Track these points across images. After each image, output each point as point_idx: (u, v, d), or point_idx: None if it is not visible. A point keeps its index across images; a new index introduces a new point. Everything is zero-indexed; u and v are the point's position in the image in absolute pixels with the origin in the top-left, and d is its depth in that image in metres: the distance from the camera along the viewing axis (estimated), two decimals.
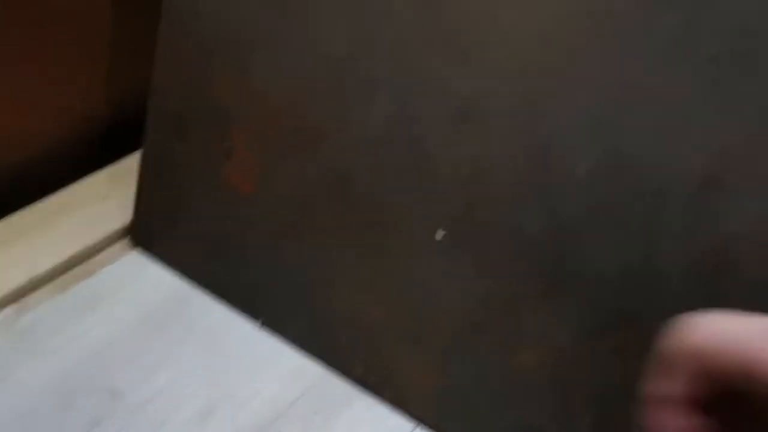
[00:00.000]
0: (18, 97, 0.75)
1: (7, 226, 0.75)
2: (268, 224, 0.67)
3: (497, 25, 0.51)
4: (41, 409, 0.61)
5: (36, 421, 0.60)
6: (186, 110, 0.67)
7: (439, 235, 0.57)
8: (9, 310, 0.68)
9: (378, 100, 0.58)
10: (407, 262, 0.60)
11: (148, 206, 0.75)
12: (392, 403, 0.63)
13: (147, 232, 0.75)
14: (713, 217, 0.46)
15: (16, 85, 0.74)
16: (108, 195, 0.81)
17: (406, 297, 0.61)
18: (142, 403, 0.63)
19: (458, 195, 0.56)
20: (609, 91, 0.49)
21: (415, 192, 0.58)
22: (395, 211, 0.59)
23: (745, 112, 0.44)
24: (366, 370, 0.65)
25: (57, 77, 0.79)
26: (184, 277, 0.73)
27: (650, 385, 0.24)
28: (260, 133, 0.64)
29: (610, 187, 0.50)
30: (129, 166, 0.82)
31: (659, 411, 0.24)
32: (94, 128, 0.88)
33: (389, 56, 0.56)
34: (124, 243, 0.78)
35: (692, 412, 0.23)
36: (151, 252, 0.75)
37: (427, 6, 0.54)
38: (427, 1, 0.53)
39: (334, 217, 0.63)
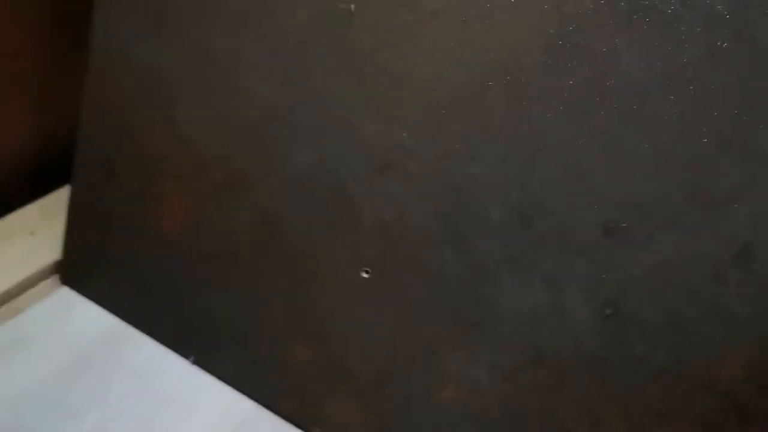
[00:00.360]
0: None
1: None
2: (198, 264, 0.68)
3: (415, 82, 0.54)
4: None
5: None
6: (114, 153, 0.68)
7: (363, 275, 0.59)
8: None
9: (302, 148, 0.59)
10: (332, 301, 0.61)
11: (77, 244, 0.75)
12: None
13: (76, 270, 0.75)
14: (613, 263, 0.49)
15: None
16: (37, 230, 0.81)
17: (332, 335, 0.63)
18: None
19: (380, 238, 0.58)
20: (522, 144, 0.51)
21: (340, 235, 0.60)
22: (320, 252, 0.61)
23: (640, 166, 0.47)
24: (296, 406, 0.66)
25: None
26: (114, 316, 0.73)
27: None
28: (188, 178, 0.65)
29: (522, 232, 0.53)
30: (59, 199, 0.82)
31: None
32: (23, 160, 0.87)
33: (312, 107, 0.58)
34: (53, 280, 0.77)
35: None
36: (80, 290, 0.75)
37: (349, 61, 0.56)
38: (348, 56, 0.56)
39: (262, 257, 0.64)
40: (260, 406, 0.68)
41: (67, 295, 0.76)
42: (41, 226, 0.80)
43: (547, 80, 0.50)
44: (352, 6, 0.56)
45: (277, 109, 0.60)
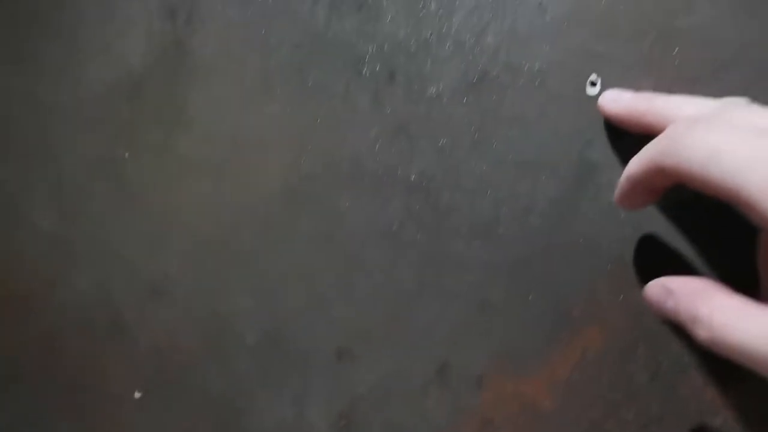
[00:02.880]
0: None
1: None
2: None
3: (180, 220, 0.61)
4: None
5: None
6: None
7: (137, 395, 0.65)
8: None
9: (81, 275, 0.65)
10: (110, 421, 0.66)
11: None
12: None
13: None
14: (345, 381, 0.58)
15: None
16: None
17: None
18: None
19: (152, 360, 0.64)
20: (271, 277, 0.60)
21: (115, 355, 0.65)
22: (98, 373, 0.66)
23: (363, 300, 0.57)
24: None
25: None
26: None
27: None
28: None
29: (272, 354, 0.61)
30: None
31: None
32: None
33: (91, 235, 0.65)
34: None
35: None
36: None
37: (123, 199, 0.63)
38: (122, 196, 0.63)
39: (44, 377, 0.68)
40: None
41: None
42: None
43: (289, 225, 0.59)
44: (126, 153, 0.64)
45: (58, 240, 0.66)
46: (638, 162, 0.40)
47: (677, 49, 0.47)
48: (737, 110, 0.38)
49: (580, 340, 0.52)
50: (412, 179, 0.55)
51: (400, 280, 0.56)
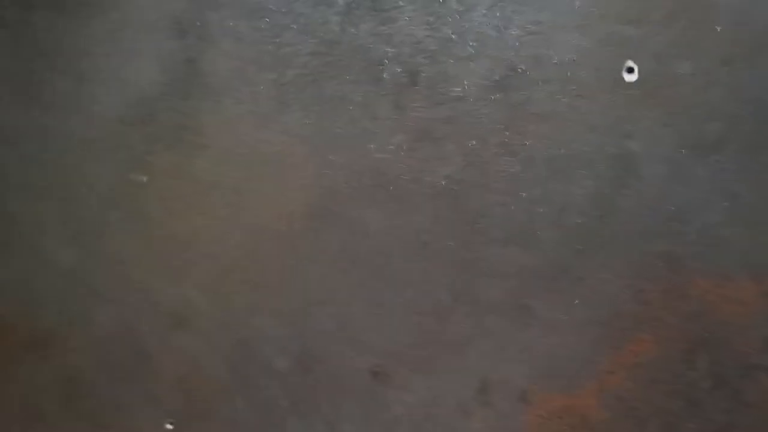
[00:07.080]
0: None
1: None
2: (3, 421, 0.68)
3: (199, 246, 0.59)
4: None
5: None
6: None
7: (168, 426, 0.62)
8: None
9: (102, 307, 0.63)
10: None
11: None
12: None
13: None
14: (380, 404, 0.54)
15: None
16: None
17: None
18: None
19: (179, 390, 0.61)
20: (296, 298, 0.57)
21: (142, 388, 0.63)
22: (123, 407, 0.63)
23: (393, 318, 0.53)
24: None
25: None
26: None
27: None
28: None
29: (305, 378, 0.57)
30: None
31: None
32: None
33: (111, 269, 0.62)
34: None
35: None
36: None
37: (142, 228, 0.60)
38: (141, 224, 0.60)
39: (68, 412, 0.66)
40: None
41: None
42: None
43: (312, 242, 0.56)
44: (144, 178, 0.61)
45: (78, 273, 0.63)
46: None
47: (717, 28, 0.44)
48: None
49: (631, 347, 0.48)
50: (442, 184, 0.52)
51: (433, 292, 0.53)
